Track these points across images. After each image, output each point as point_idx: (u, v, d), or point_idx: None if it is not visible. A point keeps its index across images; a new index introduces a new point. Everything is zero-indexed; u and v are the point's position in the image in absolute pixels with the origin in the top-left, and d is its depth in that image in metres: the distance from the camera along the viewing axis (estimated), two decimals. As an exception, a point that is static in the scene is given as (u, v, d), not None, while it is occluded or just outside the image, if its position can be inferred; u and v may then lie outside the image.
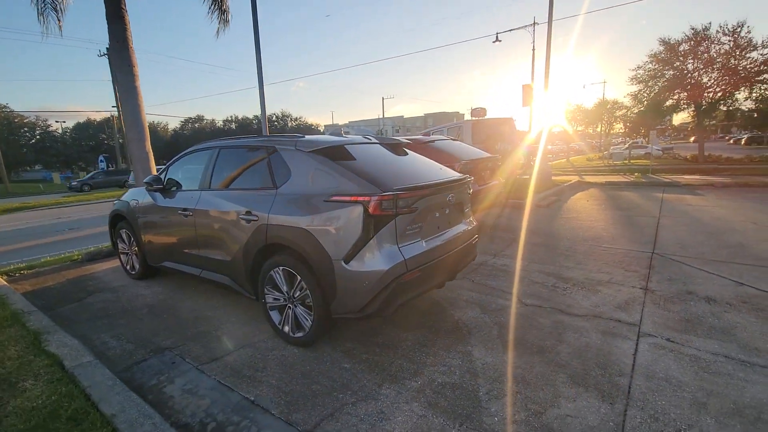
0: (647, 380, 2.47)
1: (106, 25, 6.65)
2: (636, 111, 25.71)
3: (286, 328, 3.05)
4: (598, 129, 43.42)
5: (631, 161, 25.41)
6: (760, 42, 17.31)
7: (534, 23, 26.58)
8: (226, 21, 10.30)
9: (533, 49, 27.05)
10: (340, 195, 2.65)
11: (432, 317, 3.50)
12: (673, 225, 6.36)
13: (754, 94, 18.85)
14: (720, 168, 15.53)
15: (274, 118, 69.67)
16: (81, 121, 63.59)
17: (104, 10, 6.65)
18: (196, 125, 74.06)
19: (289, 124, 69.26)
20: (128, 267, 4.80)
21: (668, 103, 21.81)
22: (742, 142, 38.06)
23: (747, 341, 2.88)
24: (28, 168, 46.57)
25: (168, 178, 4.11)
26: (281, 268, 2.95)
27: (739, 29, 17.47)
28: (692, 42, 19.00)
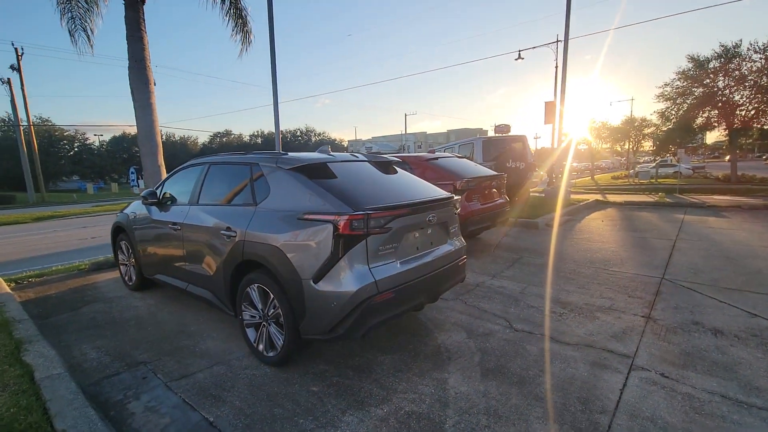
0: (630, 419, 2.28)
1: (126, 45, 6.99)
2: (664, 129, 24.97)
3: (261, 347, 3.00)
4: (626, 146, 42.25)
5: (659, 180, 24.53)
6: (794, 58, 16.57)
7: (557, 41, 26.38)
8: (249, 41, 10.67)
9: (556, 67, 26.78)
10: (312, 213, 2.62)
11: (415, 339, 3.38)
12: (689, 249, 6.02)
13: (789, 113, 17.95)
14: (753, 189, 14.76)
15: (298, 133, 71.31)
16: (117, 134, 66.93)
17: (124, 31, 6.99)
18: (224, 139, 76.67)
19: (313, 139, 70.72)
20: (126, 278, 4.90)
21: (698, 121, 21.07)
22: (781, 161, 36.15)
23: (749, 379, 2.64)
24: (65, 179, 49.07)
25: (164, 192, 4.20)
26: (256, 285, 2.93)
27: (771, 46, 16.78)
28: (722, 59, 18.39)
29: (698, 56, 19.33)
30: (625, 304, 4.02)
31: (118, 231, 4.89)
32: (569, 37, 11.31)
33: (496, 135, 10.27)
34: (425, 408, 2.44)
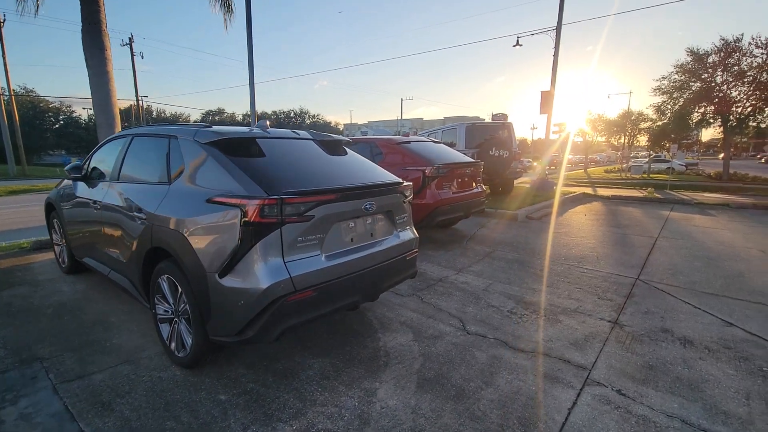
0: (572, 448, 1.97)
1: (79, 5, 6.43)
2: (659, 123, 24.65)
3: (173, 345, 2.65)
4: (621, 141, 41.93)
5: (651, 176, 24.33)
6: (795, 55, 16.18)
7: (558, 25, 25.74)
8: (230, 9, 10.07)
9: (554, 55, 26.24)
10: (221, 196, 2.24)
11: (354, 340, 3.05)
12: (669, 247, 5.73)
13: (787, 111, 17.65)
14: (744, 187, 14.55)
15: (292, 115, 70.09)
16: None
17: (78, -9, 6.43)
18: (216, 118, 75.26)
19: (307, 121, 69.55)
20: (60, 260, 4.51)
21: (694, 116, 20.76)
22: (774, 161, 36.12)
23: (716, 401, 2.34)
24: (51, 152, 47.87)
25: (91, 167, 3.78)
26: (166, 276, 2.56)
27: (774, 41, 16.35)
28: (722, 53, 17.94)
29: (698, 49, 18.85)
30: (593, 307, 3.71)
31: (50, 208, 4.48)
32: (562, 23, 10.81)
33: (480, 121, 9.83)
34: (341, 426, 2.11)
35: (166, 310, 2.69)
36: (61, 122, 48.01)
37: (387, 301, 3.82)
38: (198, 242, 2.27)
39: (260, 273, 2.12)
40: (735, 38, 17.31)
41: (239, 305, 2.15)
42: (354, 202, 2.53)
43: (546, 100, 22.03)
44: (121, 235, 3.02)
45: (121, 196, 3.04)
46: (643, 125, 35.53)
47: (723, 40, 17.77)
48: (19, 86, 47.71)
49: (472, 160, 6.09)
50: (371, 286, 2.75)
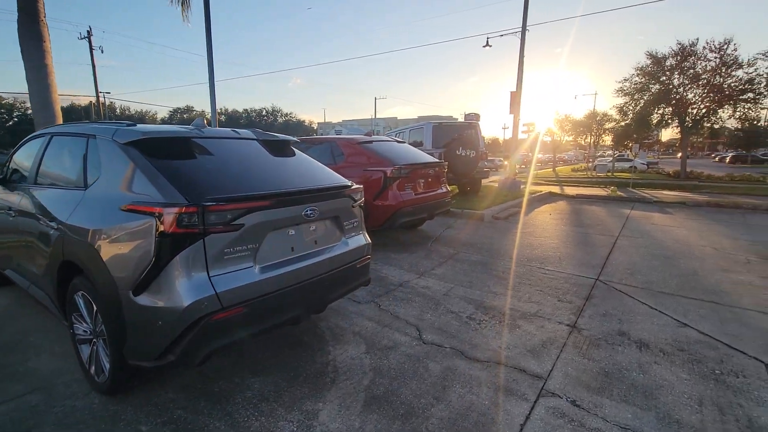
0: (522, 471, 1.85)
1: (11, -7, 5.91)
2: (622, 124, 25.52)
3: (92, 369, 2.37)
4: (588, 140, 43.34)
5: (615, 174, 25.15)
6: (745, 60, 17.03)
7: (523, 28, 26.19)
8: (187, 4, 9.65)
9: (521, 56, 26.71)
10: (136, 203, 1.99)
11: (302, 355, 2.85)
12: (629, 246, 5.80)
13: (737, 113, 18.56)
14: (700, 185, 15.18)
15: (264, 113, 68.66)
16: (63, 105, 61.98)
17: (11, -24, 5.91)
18: (185, 116, 72.83)
19: (279, 120, 68.29)
20: (-18, 271, 4.08)
21: (653, 117, 21.58)
22: (727, 160, 38.19)
23: (669, 409, 2.28)
24: (4, 151, 44.92)
25: (12, 169, 3.41)
26: (81, 292, 2.29)
27: (725, 46, 17.15)
28: (679, 57, 18.68)
29: (656, 53, 19.56)
30: (552, 310, 3.65)
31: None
32: (527, 26, 10.93)
33: (447, 121, 9.79)
34: (274, 457, 1.91)
35: (84, 330, 2.41)
36: (15, 119, 45.18)
37: (342, 309, 3.64)
38: (110, 256, 2.01)
39: (180, 289, 1.89)
40: (690, 42, 18.05)
41: (158, 326, 1.91)
42: (292, 209, 2.32)
43: (514, 100, 22.33)
44: (35, 246, 2.70)
45: (36, 202, 2.72)
46: (608, 125, 36.82)
47: (680, 44, 18.49)
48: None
49: (436, 160, 5.98)
50: (316, 297, 2.56)
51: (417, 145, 9.80)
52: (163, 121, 67.51)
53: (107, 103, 57.32)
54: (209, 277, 1.96)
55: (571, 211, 9.05)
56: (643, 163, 30.72)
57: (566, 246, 5.87)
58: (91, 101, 38.32)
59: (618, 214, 8.68)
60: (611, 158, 30.23)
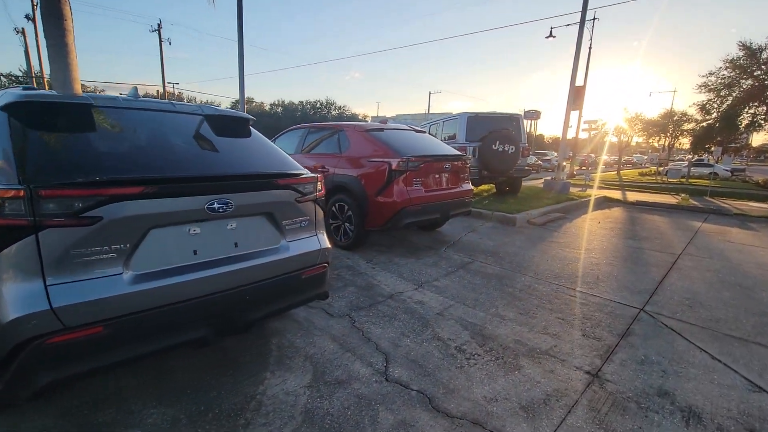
0: None
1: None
2: (704, 124, 22.58)
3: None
4: (662, 142, 39.17)
5: (690, 181, 22.32)
6: None
7: (594, 18, 23.99)
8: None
9: (590, 48, 24.51)
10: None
11: (228, 379, 2.31)
12: (693, 269, 4.67)
13: None
14: (796, 198, 12.81)
15: (318, 105, 69.85)
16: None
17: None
18: (246, 106, 76.17)
19: (333, 112, 69.11)
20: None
21: (743, 117, 18.78)
22: (835, 170, 32.75)
23: None
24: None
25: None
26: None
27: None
28: (778, 48, 15.98)
29: (751, 43, 16.88)
30: (572, 348, 2.82)
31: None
32: (592, 12, 9.62)
33: (485, 112, 8.81)
34: None
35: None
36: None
37: (307, 322, 3.07)
38: None
39: (4, 302, 1.41)
40: (796, 30, 15.29)
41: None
42: (188, 200, 1.77)
43: (578, 96, 20.49)
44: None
45: None
46: (686, 126, 32.97)
47: (782, 31, 15.75)
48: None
49: (456, 152, 5.19)
50: (230, 315, 2.00)
51: (451, 138, 8.98)
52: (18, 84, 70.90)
53: (176, 93, 61.36)
54: (45, 287, 1.46)
55: (626, 220, 7.78)
56: (727, 170, 27.18)
57: (610, 263, 4.85)
58: (157, 90, 41.01)
59: (685, 226, 7.30)
60: (687, 162, 27.01)
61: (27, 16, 30.98)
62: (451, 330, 3.04)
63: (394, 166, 4.38)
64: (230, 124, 2.50)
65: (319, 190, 2.43)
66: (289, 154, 5.96)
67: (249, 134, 2.56)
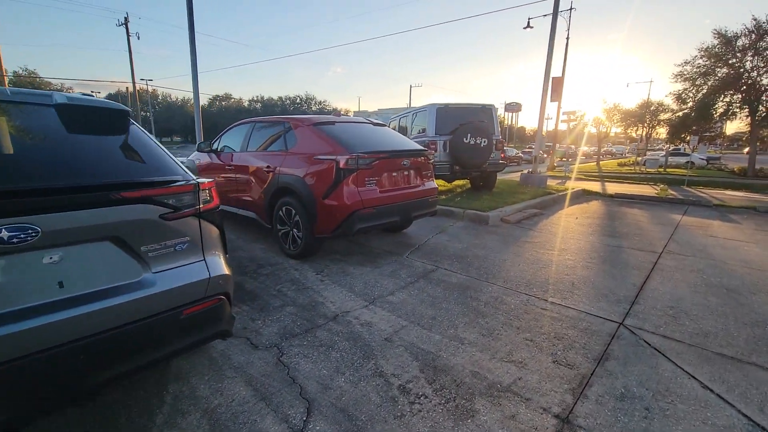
0: None
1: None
2: (680, 113, 22.66)
3: None
4: (639, 132, 39.49)
5: (668, 170, 22.41)
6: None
7: (571, 8, 23.76)
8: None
9: (567, 38, 24.31)
10: None
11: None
12: (676, 269, 4.27)
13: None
14: (772, 185, 12.76)
15: (297, 101, 68.61)
16: (112, 92, 65.22)
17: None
18: (223, 103, 74.47)
19: (313, 107, 68.00)
20: None
21: (718, 105, 18.83)
22: (805, 157, 33.54)
23: None
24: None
25: None
26: None
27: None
28: (753, 35, 15.93)
29: (726, 31, 16.82)
30: (540, 380, 2.34)
31: None
32: (559, 10, 9.21)
33: (455, 103, 8.31)
34: None
35: None
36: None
37: (224, 358, 2.52)
38: None
39: None
40: (770, 18, 15.26)
41: None
42: None
43: (557, 87, 20.18)
44: None
45: None
46: (663, 116, 33.24)
47: (755, 20, 15.73)
48: (20, 67, 47.42)
49: (417, 147, 4.67)
50: (54, 384, 1.43)
51: (421, 132, 8.46)
52: (203, 109, 69.39)
53: (150, 90, 59.31)
54: None
55: (604, 215, 7.41)
56: (703, 158, 27.47)
57: (587, 265, 4.42)
58: (126, 87, 39.42)
59: (665, 220, 6.96)
60: (664, 152, 27.20)
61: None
62: (397, 361, 2.53)
63: (342, 164, 3.83)
64: (93, 118, 1.91)
65: (207, 201, 1.87)
66: (234, 153, 5.39)
67: (123, 131, 1.97)
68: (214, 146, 5.72)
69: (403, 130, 9.68)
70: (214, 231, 1.93)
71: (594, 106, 33.24)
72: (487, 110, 8.45)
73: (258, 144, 4.93)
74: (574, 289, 3.73)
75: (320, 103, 69.28)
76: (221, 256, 1.97)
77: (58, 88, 46.58)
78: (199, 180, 1.85)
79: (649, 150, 36.71)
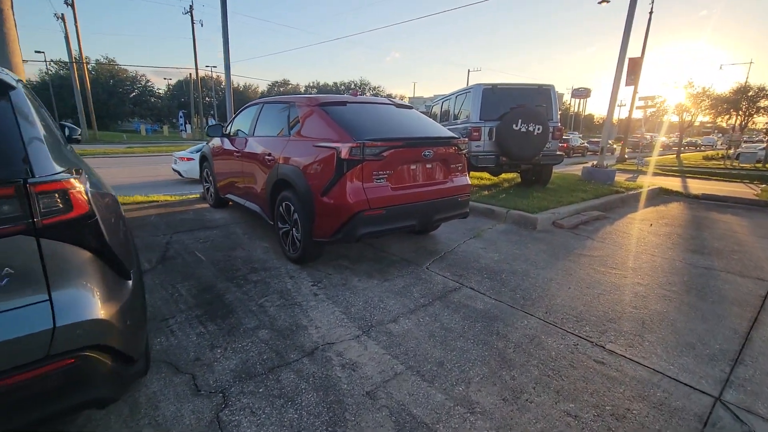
0: None
1: None
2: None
3: None
4: (731, 121, 34.39)
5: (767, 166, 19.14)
6: None
7: (653, -23, 20.79)
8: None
9: (650, 12, 21.42)
10: None
11: None
12: (799, 311, 3.08)
13: None
14: None
15: (352, 86, 68.56)
16: (181, 78, 69.40)
17: None
18: (281, 89, 76.54)
19: (366, 94, 67.67)
20: None
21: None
22: None
23: None
24: (130, 120, 51.42)
25: None
26: None
27: None
28: None
29: None
30: (582, 503, 1.49)
31: None
32: None
33: (505, 83, 7.14)
34: None
35: None
36: (137, 91, 51.17)
37: (152, 407, 1.94)
38: None
39: None
40: None
41: None
42: None
43: (633, 68, 17.81)
44: None
45: None
46: (764, 103, 28.56)
47: None
48: (102, 56, 51.58)
49: (444, 134, 3.79)
50: None
51: (466, 117, 7.44)
52: (263, 94, 71.67)
53: (214, 76, 62.13)
54: None
55: (688, 222, 6.02)
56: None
57: (664, 295, 3.35)
58: (189, 74, 41.38)
59: (773, 232, 5.47)
60: (765, 144, 23.45)
61: (66, 1, 31.75)
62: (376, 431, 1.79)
63: (343, 154, 3.10)
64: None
65: (57, 211, 1.23)
66: (241, 138, 4.86)
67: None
68: (228, 130, 5.24)
69: (445, 116, 8.70)
70: (77, 255, 1.30)
71: (676, 92, 29.29)
72: (545, 92, 7.20)
73: (264, 128, 4.34)
74: (644, 331, 2.74)
75: (375, 88, 68.76)
76: (96, 291, 1.34)
77: (133, 75, 50.14)
78: (44, 178, 1.21)
79: (746, 142, 32.01)
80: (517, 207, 5.61)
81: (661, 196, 8.25)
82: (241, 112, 5.09)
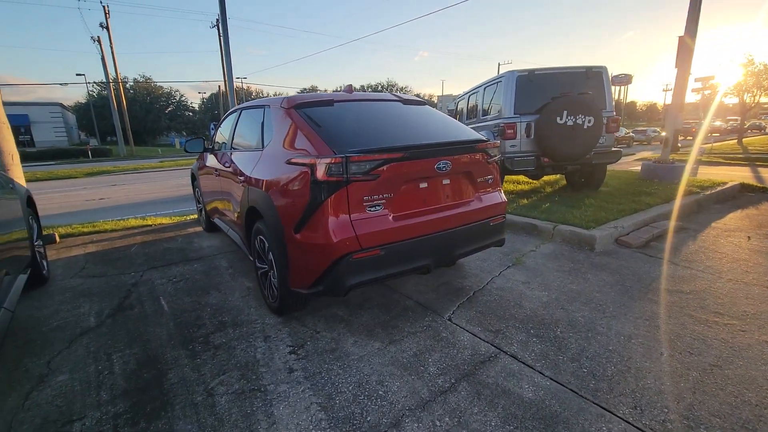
0: None
1: None
2: None
3: None
4: (799, 100, 30.49)
5: None
6: None
7: (706, -54, 18.58)
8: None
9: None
10: None
11: None
12: None
13: None
14: None
15: (379, 88, 67.79)
16: (214, 92, 71.47)
17: None
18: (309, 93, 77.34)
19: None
20: None
21: None
22: None
23: None
24: (166, 134, 53.24)
25: None
26: None
27: None
28: None
29: None
30: None
31: None
32: None
33: (544, 68, 5.94)
34: None
35: None
36: (172, 106, 52.92)
37: None
38: None
39: None
40: None
41: None
42: None
43: (683, 48, 16.00)
44: None
45: None
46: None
47: None
48: (140, 75, 53.75)
49: (464, 138, 2.77)
50: None
51: (498, 112, 6.29)
52: (292, 102, 72.51)
53: (245, 87, 63.44)
54: None
55: (796, 230, 4.63)
56: None
57: (816, 363, 2.17)
58: (219, 86, 42.10)
59: None
60: None
61: (101, 24, 33.02)
62: None
63: (319, 174, 2.18)
64: None
65: None
66: (219, 152, 4.06)
67: None
68: (212, 143, 4.48)
69: (472, 112, 7.59)
70: None
71: (732, 72, 26.47)
72: (595, 76, 5.92)
73: (239, 139, 3.52)
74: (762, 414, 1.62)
75: (402, 89, 67.75)
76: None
77: (168, 90, 51.87)
78: None
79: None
80: (567, 220, 4.47)
81: (744, 194, 6.75)
82: (223, 121, 4.30)
